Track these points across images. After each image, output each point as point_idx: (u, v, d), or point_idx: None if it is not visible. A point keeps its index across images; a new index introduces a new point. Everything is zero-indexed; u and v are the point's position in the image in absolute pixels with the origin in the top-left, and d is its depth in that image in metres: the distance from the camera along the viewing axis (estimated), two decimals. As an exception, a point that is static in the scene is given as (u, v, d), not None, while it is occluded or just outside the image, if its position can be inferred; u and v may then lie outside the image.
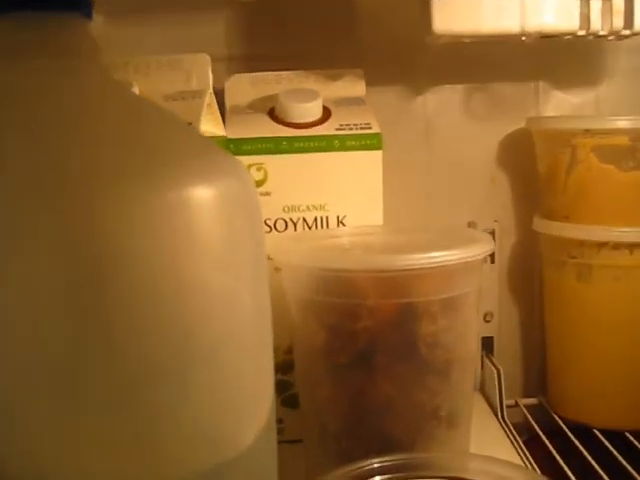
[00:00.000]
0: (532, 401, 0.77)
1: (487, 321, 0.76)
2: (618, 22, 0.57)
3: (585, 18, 0.57)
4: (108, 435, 0.27)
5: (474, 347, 0.54)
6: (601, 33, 0.57)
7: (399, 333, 0.49)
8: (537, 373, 0.78)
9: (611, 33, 0.57)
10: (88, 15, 0.33)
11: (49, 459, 0.27)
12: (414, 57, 0.73)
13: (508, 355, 0.79)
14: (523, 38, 0.58)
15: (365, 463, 0.47)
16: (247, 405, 0.31)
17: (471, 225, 0.75)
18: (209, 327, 0.29)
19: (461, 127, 0.75)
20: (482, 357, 0.76)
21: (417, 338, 0.49)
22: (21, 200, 0.26)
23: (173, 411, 0.28)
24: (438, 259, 0.48)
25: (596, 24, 0.57)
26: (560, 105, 0.75)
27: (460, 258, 0.48)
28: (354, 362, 0.50)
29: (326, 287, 0.50)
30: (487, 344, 0.77)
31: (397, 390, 0.50)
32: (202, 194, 0.30)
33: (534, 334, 0.78)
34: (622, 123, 0.62)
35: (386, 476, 0.47)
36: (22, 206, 0.26)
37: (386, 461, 0.47)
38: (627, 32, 0.57)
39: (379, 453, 0.47)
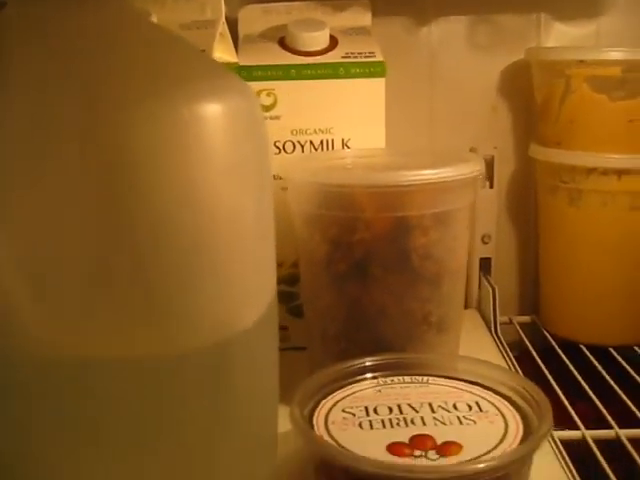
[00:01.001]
0: (526, 319, 0.81)
1: (485, 243, 0.80)
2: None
3: None
4: (126, 309, 0.32)
5: (464, 260, 0.58)
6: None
7: (393, 245, 0.53)
8: (532, 293, 0.82)
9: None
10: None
11: (70, 327, 0.32)
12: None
13: (505, 276, 0.83)
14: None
15: (358, 361, 0.51)
16: (248, 293, 0.36)
17: (472, 151, 0.78)
18: (216, 224, 0.34)
19: (464, 57, 0.79)
20: (480, 277, 0.81)
21: (410, 250, 0.53)
22: (58, 117, 0.31)
23: (183, 294, 0.33)
24: (429, 176, 0.52)
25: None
26: (561, 37, 0.78)
27: (450, 176, 0.52)
28: (352, 272, 0.54)
29: (327, 202, 0.54)
30: (485, 265, 0.81)
31: (390, 298, 0.54)
32: (211, 110, 0.34)
33: (530, 256, 0.82)
34: (615, 54, 0.65)
35: (377, 373, 0.52)
36: (57, 123, 0.31)
37: (378, 360, 0.52)
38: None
39: (374, 354, 0.52)
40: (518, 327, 0.78)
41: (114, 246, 0.32)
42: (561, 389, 0.64)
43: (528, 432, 0.45)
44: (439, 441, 0.44)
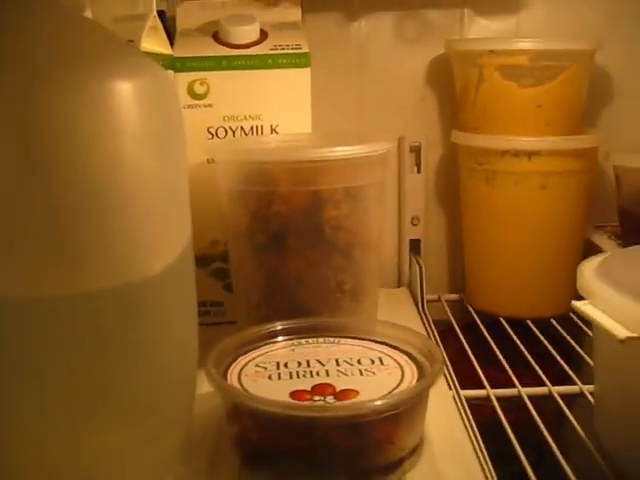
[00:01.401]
0: (454, 296, 0.86)
1: (414, 225, 0.85)
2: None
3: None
4: (37, 253, 0.37)
5: (376, 233, 0.62)
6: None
7: (307, 217, 0.58)
8: (460, 272, 0.87)
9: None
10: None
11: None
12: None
13: (435, 256, 0.88)
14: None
15: (269, 325, 0.56)
16: (154, 243, 0.41)
17: (401, 140, 0.84)
18: (121, 181, 0.39)
19: (393, 50, 0.84)
20: (410, 257, 0.86)
21: (322, 222, 0.58)
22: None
23: (90, 240, 0.38)
24: (339, 153, 0.57)
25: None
26: (483, 31, 0.83)
27: (358, 153, 0.57)
28: (270, 243, 0.59)
29: (248, 178, 0.59)
30: (414, 246, 0.86)
31: (306, 267, 0.59)
32: (118, 86, 0.39)
33: (459, 236, 0.86)
34: (522, 44, 0.71)
35: (294, 335, 0.56)
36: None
37: (294, 323, 0.57)
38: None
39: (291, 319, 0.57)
40: (445, 304, 0.83)
41: (30, 197, 0.37)
42: (481, 361, 0.68)
43: (422, 377, 0.49)
44: (338, 389, 0.48)
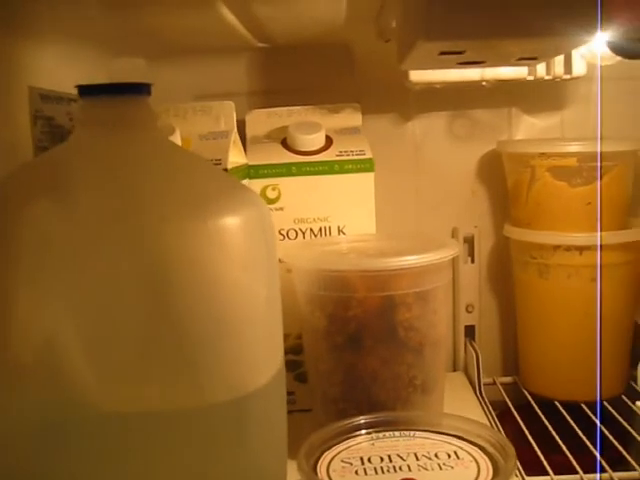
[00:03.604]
0: (507, 379, 0.90)
1: (469, 312, 0.90)
2: (559, 69, 0.70)
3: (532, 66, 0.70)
4: (164, 372, 0.42)
5: (444, 331, 0.67)
6: (546, 78, 0.71)
7: (381, 319, 0.63)
8: (513, 356, 0.91)
9: (555, 77, 0.71)
10: (148, 93, 0.48)
11: (119, 387, 0.42)
12: (404, 90, 0.86)
13: (489, 340, 0.92)
14: (483, 83, 0.72)
15: (355, 419, 0.60)
16: (261, 358, 0.46)
17: (454, 231, 0.89)
18: (234, 306, 0.44)
19: (445, 147, 0.89)
20: (465, 343, 0.90)
21: (396, 323, 0.63)
22: (113, 228, 0.41)
23: (209, 359, 0.43)
24: (411, 261, 0.62)
25: (541, 71, 0.71)
26: (529, 128, 0.89)
27: (428, 261, 0.62)
28: (347, 342, 0.64)
29: (325, 284, 0.64)
30: (469, 331, 0.91)
31: (380, 364, 0.63)
32: (229, 222, 0.45)
33: (510, 322, 0.91)
34: (571, 147, 0.76)
35: (371, 429, 0.61)
36: (115, 232, 0.41)
37: (372, 418, 0.61)
38: (567, 77, 0.71)
39: (368, 413, 0.61)
40: (500, 387, 0.87)
41: (156, 323, 0.42)
42: (538, 443, 0.72)
43: (497, 473, 0.53)
44: (422, 484, 0.53)
